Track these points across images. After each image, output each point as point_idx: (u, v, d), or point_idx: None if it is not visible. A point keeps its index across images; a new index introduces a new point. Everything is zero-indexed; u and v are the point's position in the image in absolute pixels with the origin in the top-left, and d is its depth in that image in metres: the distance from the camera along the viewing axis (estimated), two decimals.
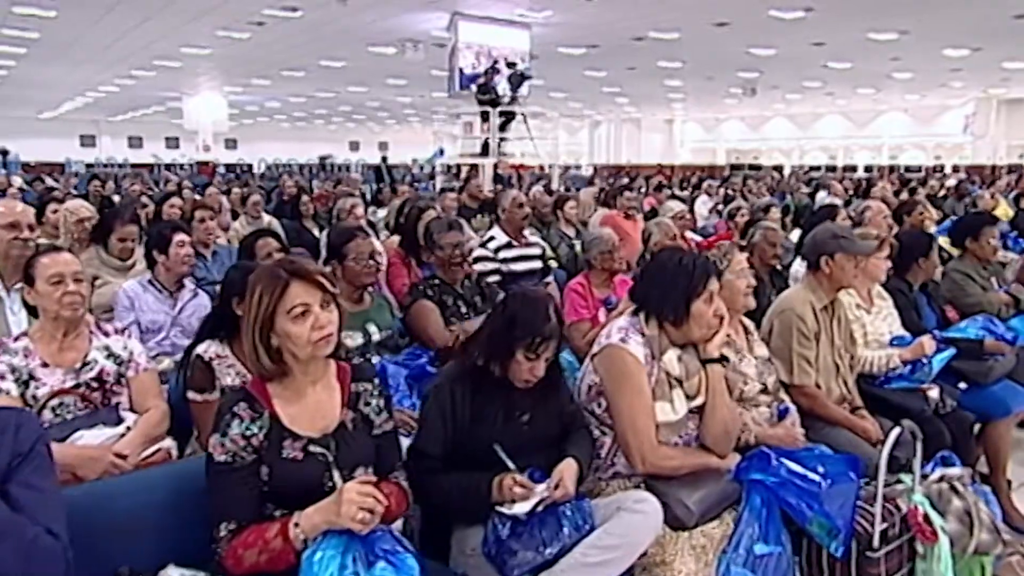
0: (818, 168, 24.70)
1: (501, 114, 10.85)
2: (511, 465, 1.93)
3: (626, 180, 13.13)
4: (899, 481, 2.21)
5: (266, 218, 6.06)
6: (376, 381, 1.87)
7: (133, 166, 24.20)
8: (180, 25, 12.72)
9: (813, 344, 2.84)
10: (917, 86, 19.98)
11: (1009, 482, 3.64)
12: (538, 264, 4.27)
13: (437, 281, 3.25)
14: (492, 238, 4.33)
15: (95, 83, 20.03)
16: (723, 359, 2.24)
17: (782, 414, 2.57)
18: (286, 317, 1.66)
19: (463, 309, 3.17)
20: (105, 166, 24.93)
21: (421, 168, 24.11)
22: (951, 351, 3.09)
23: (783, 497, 2.00)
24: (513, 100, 11.05)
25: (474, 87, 11.03)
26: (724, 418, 2.19)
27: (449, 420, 2.02)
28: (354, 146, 37.03)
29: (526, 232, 4.42)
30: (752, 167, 23.39)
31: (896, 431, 2.06)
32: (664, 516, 2.02)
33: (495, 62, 10.97)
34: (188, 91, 21.57)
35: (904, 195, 8.67)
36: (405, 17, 11.88)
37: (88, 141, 32.03)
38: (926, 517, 2.05)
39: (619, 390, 2.15)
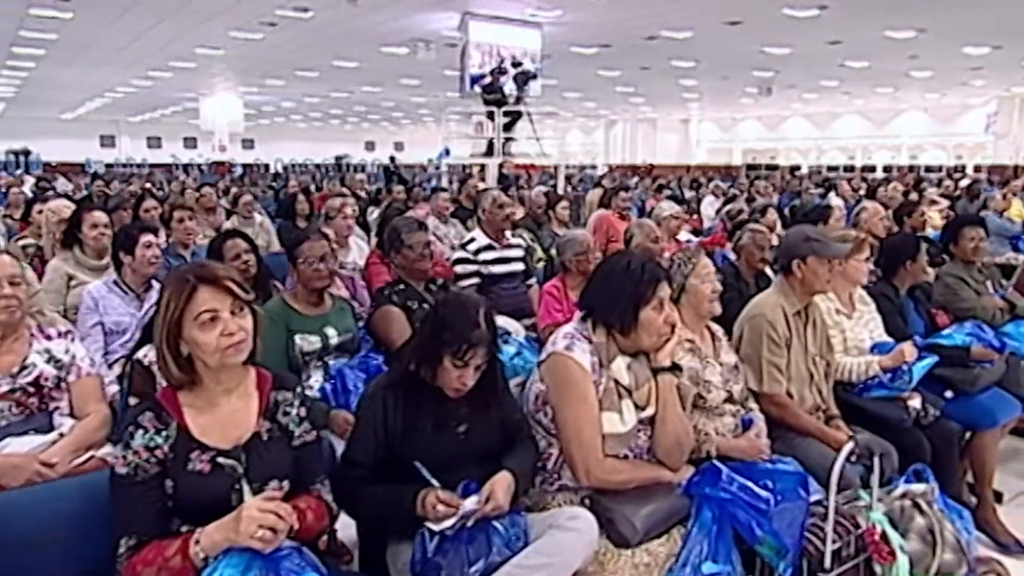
0: (836, 168, 24.34)
1: (507, 114, 10.78)
2: (433, 481, 1.85)
3: (635, 180, 13.05)
4: (858, 498, 2.10)
5: (258, 218, 6.04)
6: (298, 390, 1.80)
7: (152, 166, 24.42)
8: (194, 26, 12.81)
9: (784, 351, 2.73)
10: (937, 85, 19.63)
11: (1000, 495, 3.52)
12: (519, 266, 4.17)
13: (403, 286, 3.17)
14: (472, 240, 4.26)
15: (113, 84, 20.25)
16: (675, 368, 2.15)
17: (747, 424, 2.47)
18: (193, 323, 1.60)
19: None
20: (124, 166, 25.21)
21: (437, 168, 24.14)
22: (933, 358, 2.96)
23: (733, 513, 1.91)
24: (519, 100, 10.96)
25: (478, 87, 10.96)
26: (676, 430, 2.10)
27: (380, 429, 1.94)
28: (370, 146, 37.16)
29: (508, 233, 4.33)
30: (769, 167, 23.09)
31: (849, 446, 1.96)
32: (607, 532, 1.94)
33: (501, 61, 10.91)
34: (204, 91, 21.75)
35: (913, 196, 8.47)
36: (416, 17, 11.87)
37: (108, 141, 32.40)
38: (884, 536, 1.95)
39: (564, 400, 2.07)
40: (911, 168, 22.42)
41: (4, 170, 21.11)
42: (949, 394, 3.18)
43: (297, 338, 2.74)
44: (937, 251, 3.99)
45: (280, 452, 1.73)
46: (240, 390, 1.73)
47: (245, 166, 25.61)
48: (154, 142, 33.14)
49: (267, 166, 25.98)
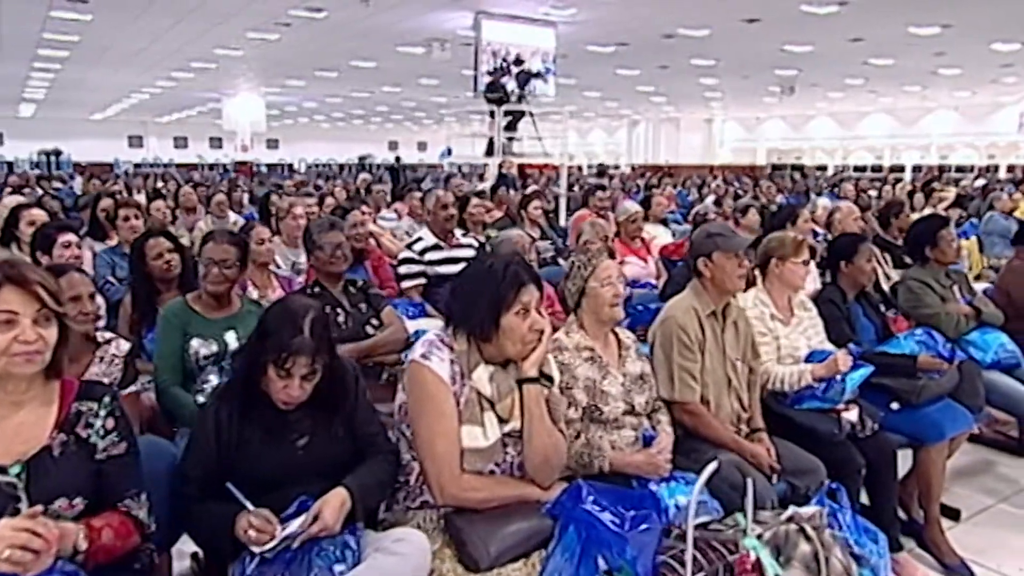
0: (863, 168, 23.81)
1: (509, 113, 10.69)
2: (247, 504, 1.74)
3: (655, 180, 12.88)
4: (734, 523, 1.97)
5: (233, 217, 6.05)
6: (107, 400, 1.70)
7: (178, 166, 24.80)
8: (210, 27, 12.96)
9: (697, 355, 2.58)
10: (966, 83, 19.08)
11: (957, 512, 3.35)
12: (463, 267, 4.06)
13: (317, 289, 3.08)
14: (419, 239, 4.17)
15: (138, 85, 20.61)
16: (543, 379, 1.99)
17: (647, 440, 2.34)
18: None
19: (340, 318, 3.00)
20: (151, 166, 25.64)
21: (459, 168, 24.18)
22: (868, 368, 2.78)
23: (597, 537, 1.77)
24: (521, 99, 10.87)
25: (481, 86, 10.92)
26: (543, 445, 1.95)
27: (213, 442, 1.85)
28: (393, 146, 37.33)
29: (458, 232, 4.25)
30: (795, 167, 22.63)
31: (712, 466, 1.83)
32: (459, 554, 1.83)
33: (504, 60, 10.84)
34: (227, 92, 22.02)
35: (919, 197, 8.20)
36: (430, 17, 11.86)
37: (136, 142, 33.00)
38: (758, 564, 1.81)
39: (419, 411, 1.94)
40: (941, 168, 21.81)
41: (36, 170, 21.58)
42: (895, 405, 3.01)
43: (194, 341, 2.68)
44: (916, 254, 3.78)
45: (75, 467, 1.62)
46: (35, 402, 1.63)
47: (269, 166, 25.88)
48: (180, 142, 33.67)
49: (291, 166, 26.21)
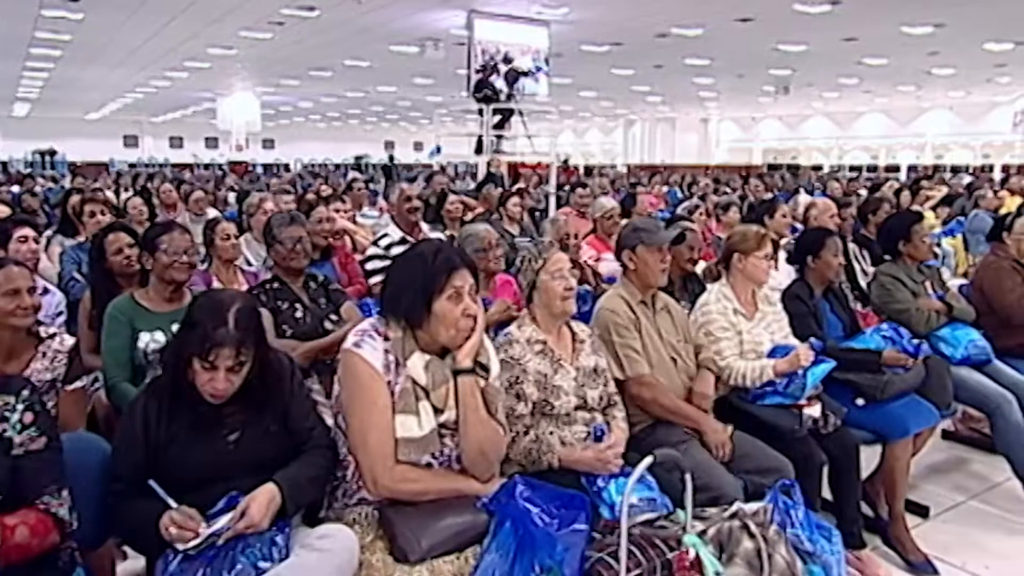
0: (859, 168, 23.77)
1: (498, 111, 10.66)
2: (170, 502, 1.71)
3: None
4: (673, 520, 1.94)
5: (212, 213, 6.02)
6: (26, 394, 1.67)
7: (173, 166, 24.78)
8: (203, 26, 12.94)
9: (634, 332, 2.64)
10: (961, 82, 19.02)
11: (926, 509, 3.33)
12: None
13: (277, 284, 3.04)
14: (385, 235, 4.13)
15: (132, 84, 20.58)
16: (479, 369, 1.95)
17: (598, 435, 2.31)
18: None
19: (298, 313, 2.95)
20: (146, 165, 25.61)
21: (455, 167, 24.15)
22: (829, 363, 2.75)
23: (527, 535, 1.74)
24: (510, 97, 10.84)
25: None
26: (478, 437, 1.91)
27: (141, 438, 1.81)
28: (389, 146, 37.29)
29: (425, 227, 4.22)
30: (790, 167, 22.57)
31: (647, 461, 1.80)
32: (390, 547, 1.79)
33: (492, 58, 10.82)
34: (222, 92, 21.97)
35: (905, 195, 8.18)
36: (422, 16, 11.84)
37: (131, 142, 32.96)
38: (697, 561, 1.78)
39: (351, 402, 1.90)
40: (936, 168, 21.75)
41: (29, 169, 21.55)
42: (860, 401, 2.98)
43: (142, 336, 2.65)
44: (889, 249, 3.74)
45: None
46: None
47: (265, 166, 25.84)
48: (176, 142, 33.63)
49: (287, 166, 26.18)
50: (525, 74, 11.18)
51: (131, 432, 1.83)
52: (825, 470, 2.75)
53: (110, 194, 8.24)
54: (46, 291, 3.19)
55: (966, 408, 3.79)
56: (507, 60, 10.98)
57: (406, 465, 1.88)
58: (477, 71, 10.79)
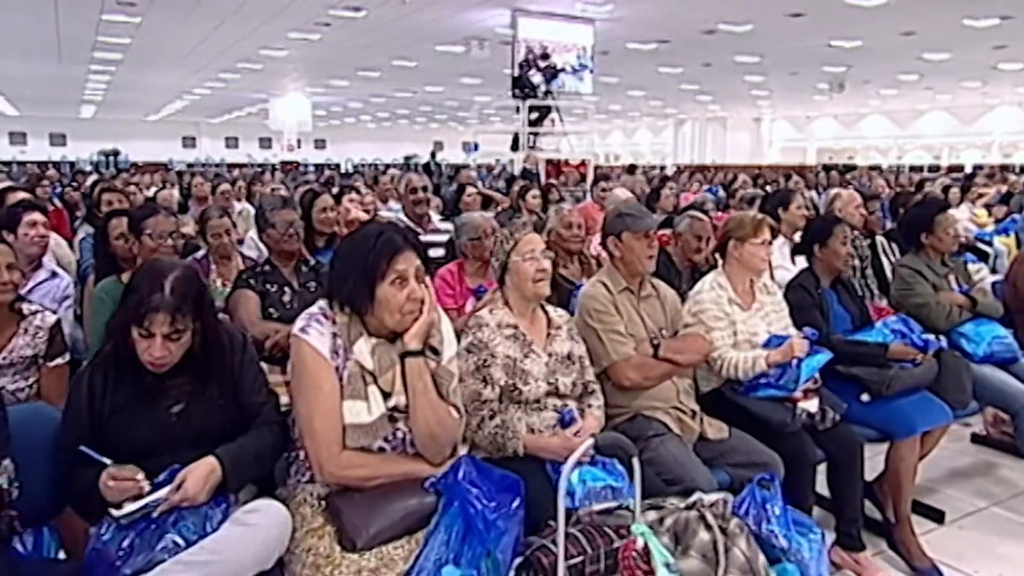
0: (919, 168, 22.87)
1: (535, 109, 10.61)
2: (105, 461, 1.70)
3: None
4: (624, 507, 1.85)
5: (238, 206, 6.14)
6: None
7: (229, 166, 25.43)
8: (254, 28, 13.24)
9: (616, 316, 2.55)
10: None
11: (941, 514, 3.15)
12: (441, 252, 3.99)
13: (268, 267, 3.04)
14: None
15: (188, 86, 21.21)
16: (427, 351, 1.89)
17: (566, 421, 2.23)
18: None
19: (286, 297, 2.94)
20: (203, 165, 26.33)
21: (503, 166, 24.20)
22: (825, 354, 2.62)
23: (470, 516, 1.69)
24: (547, 94, 10.77)
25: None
26: (428, 420, 1.85)
27: (86, 411, 1.81)
28: (439, 146, 37.56)
29: (435, 217, 4.19)
30: (847, 167, 21.85)
31: (588, 443, 1.73)
32: (338, 535, 1.75)
33: (530, 54, 10.78)
34: (274, 92, 22.46)
35: (954, 192, 7.83)
36: (467, 15, 11.89)
37: (189, 142, 33.97)
38: (645, 551, 1.69)
39: (298, 387, 1.87)
40: (1004, 167, 20.80)
41: (96, 170, 22.37)
42: (865, 397, 2.83)
43: None
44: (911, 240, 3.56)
45: None
46: None
47: (317, 166, 26.33)
48: (231, 142, 34.50)
49: (338, 165, 26.64)
50: (562, 71, 11.09)
51: (76, 402, 1.83)
52: (824, 468, 2.63)
53: (153, 190, 8.46)
54: (54, 275, 3.29)
55: (997, 411, 3.60)
56: (544, 56, 10.90)
57: (353, 451, 1.83)
58: (519, 67, 10.75)
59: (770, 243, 2.82)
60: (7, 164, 24.79)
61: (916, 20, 11.90)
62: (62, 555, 1.92)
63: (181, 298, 1.76)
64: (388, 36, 13.66)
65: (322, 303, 1.95)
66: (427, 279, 1.90)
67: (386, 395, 1.85)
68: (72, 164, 25.10)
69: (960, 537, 3.03)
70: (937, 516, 3.13)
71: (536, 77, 10.75)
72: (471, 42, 13.45)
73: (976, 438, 3.94)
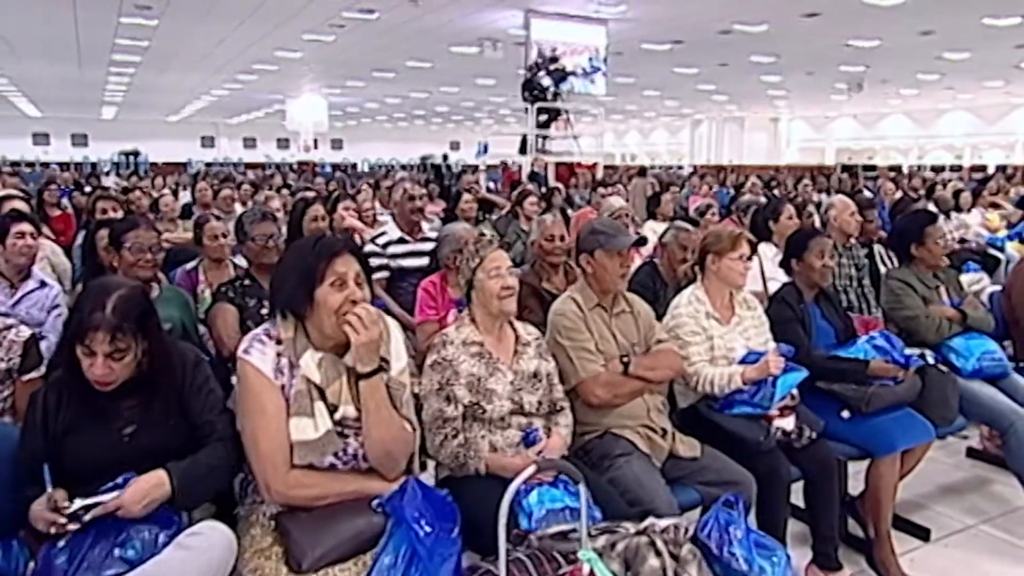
0: (941, 168, 22.52)
1: (544, 111, 10.58)
2: (48, 487, 1.70)
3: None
4: (572, 531, 1.82)
5: (239, 209, 6.17)
6: None
7: (247, 166, 25.62)
8: (269, 30, 13.35)
9: (586, 332, 2.50)
10: None
11: (927, 531, 3.09)
12: (426, 261, 3.96)
13: (247, 281, 3.05)
14: (383, 232, 4.12)
15: (206, 87, 21.44)
16: (382, 370, 1.85)
17: (529, 440, 2.22)
18: None
19: (264, 311, 2.92)
20: (221, 165, 26.56)
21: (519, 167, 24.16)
22: (800, 372, 2.58)
23: (416, 541, 1.66)
24: (556, 96, 10.74)
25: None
26: (381, 436, 1.83)
27: (40, 428, 1.81)
28: (455, 146, 37.67)
29: (425, 226, 4.19)
30: (866, 167, 21.57)
31: (529, 470, 1.71)
32: (286, 556, 1.74)
33: (540, 56, 10.75)
34: (291, 93, 22.62)
35: (966, 196, 7.70)
36: (479, 16, 11.90)
37: (208, 142, 34.35)
38: None
39: (243, 409, 1.86)
40: None
41: (116, 170, 22.64)
42: (846, 414, 2.79)
43: None
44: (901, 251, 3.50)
45: None
46: None
47: (334, 166, 26.47)
48: (250, 143, 34.84)
49: (355, 165, 26.78)
50: (571, 73, 11.05)
51: (32, 422, 1.84)
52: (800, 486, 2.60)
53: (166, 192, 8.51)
54: (44, 284, 3.31)
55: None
56: (553, 59, 10.87)
57: (301, 470, 1.82)
58: (528, 69, 10.73)
59: (749, 258, 2.78)
60: (31, 164, 25.21)
61: (935, 19, 11.73)
62: (32, 566, 1.95)
63: (123, 316, 1.76)
64: (402, 37, 13.71)
65: (267, 324, 1.94)
66: (368, 294, 1.88)
67: (333, 408, 1.84)
68: (93, 165, 25.41)
69: (944, 556, 2.97)
70: (922, 534, 3.08)
71: (546, 80, 10.71)
72: (484, 43, 13.46)
73: (971, 452, 3.87)
